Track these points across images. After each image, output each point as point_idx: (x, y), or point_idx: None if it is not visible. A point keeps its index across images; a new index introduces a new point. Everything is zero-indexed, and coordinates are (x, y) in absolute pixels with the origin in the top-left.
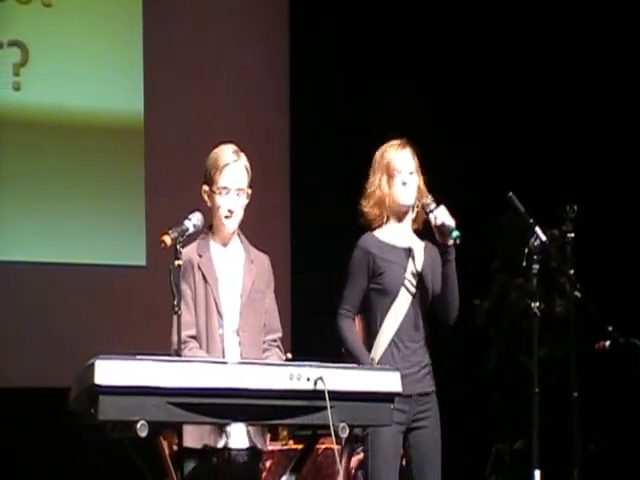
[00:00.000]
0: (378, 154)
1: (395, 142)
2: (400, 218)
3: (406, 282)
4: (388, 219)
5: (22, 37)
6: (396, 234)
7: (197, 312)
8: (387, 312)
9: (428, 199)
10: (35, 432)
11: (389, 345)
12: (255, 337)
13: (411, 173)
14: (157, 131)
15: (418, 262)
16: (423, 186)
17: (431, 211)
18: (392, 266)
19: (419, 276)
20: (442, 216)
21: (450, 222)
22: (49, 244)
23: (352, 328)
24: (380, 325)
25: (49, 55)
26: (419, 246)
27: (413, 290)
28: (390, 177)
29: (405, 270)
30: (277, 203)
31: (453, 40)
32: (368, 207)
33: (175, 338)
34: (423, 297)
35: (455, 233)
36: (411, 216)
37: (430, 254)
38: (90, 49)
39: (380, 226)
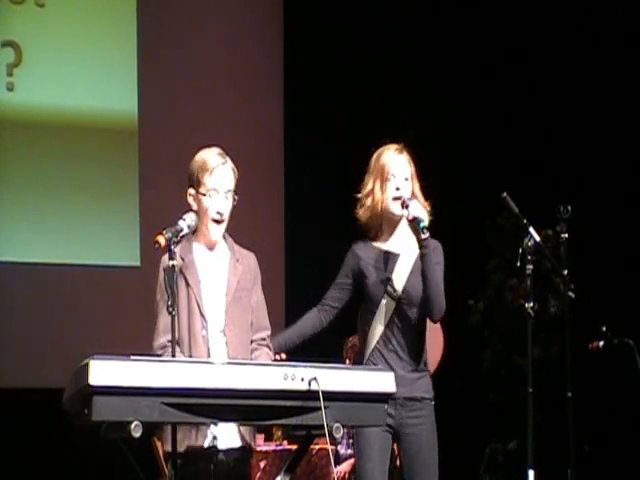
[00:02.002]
0: (374, 157)
1: (393, 146)
2: (394, 224)
3: (389, 288)
4: (382, 225)
5: (15, 37)
6: (390, 239)
7: (179, 315)
8: (373, 317)
9: (407, 195)
10: (34, 432)
11: (373, 349)
12: (242, 336)
13: (406, 179)
14: (151, 131)
15: (407, 266)
16: (419, 192)
17: (407, 206)
18: (376, 272)
19: (406, 281)
20: (413, 210)
21: (421, 215)
22: (43, 245)
23: (306, 317)
24: (368, 330)
25: (43, 55)
26: (414, 251)
27: (397, 295)
28: (384, 181)
29: (390, 275)
30: (271, 202)
31: (452, 39)
32: (361, 214)
33: (156, 343)
34: (412, 302)
35: (422, 224)
36: (406, 221)
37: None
38: (84, 49)
39: (377, 235)
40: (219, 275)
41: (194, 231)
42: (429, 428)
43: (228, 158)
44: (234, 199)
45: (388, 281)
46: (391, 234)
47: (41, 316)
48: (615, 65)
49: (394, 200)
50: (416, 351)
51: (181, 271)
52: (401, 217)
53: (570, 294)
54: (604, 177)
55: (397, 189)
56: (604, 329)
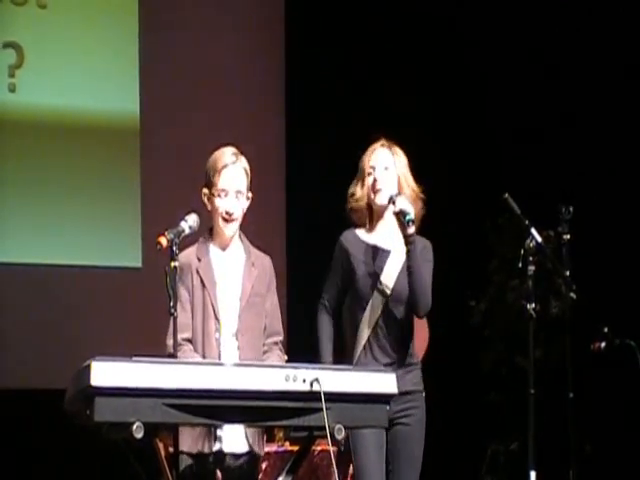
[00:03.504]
0: (360, 160)
1: (376, 144)
2: (381, 216)
3: (379, 285)
4: (372, 220)
5: (17, 38)
6: (379, 234)
7: (194, 315)
8: (363, 313)
9: (395, 190)
10: (34, 432)
11: (364, 346)
12: (254, 341)
13: (386, 168)
14: (153, 132)
15: (397, 263)
16: (413, 182)
17: (394, 202)
18: (365, 267)
19: (396, 278)
20: (400, 204)
21: (407, 208)
22: (44, 246)
23: (326, 324)
24: (357, 326)
25: (44, 56)
26: (404, 248)
27: (388, 292)
28: (365, 177)
29: (380, 272)
30: (273, 203)
31: (452, 40)
32: (351, 215)
33: (170, 341)
34: (402, 299)
35: (408, 217)
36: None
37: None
38: (85, 50)
39: (364, 225)
40: (234, 278)
41: (210, 230)
42: (418, 419)
43: (242, 157)
44: (247, 198)
45: (378, 278)
46: (380, 227)
47: (42, 317)
48: (616, 64)
49: (374, 192)
50: (404, 346)
51: (197, 271)
52: (385, 208)
53: (572, 295)
54: (606, 178)
55: (375, 180)
56: (605, 330)
